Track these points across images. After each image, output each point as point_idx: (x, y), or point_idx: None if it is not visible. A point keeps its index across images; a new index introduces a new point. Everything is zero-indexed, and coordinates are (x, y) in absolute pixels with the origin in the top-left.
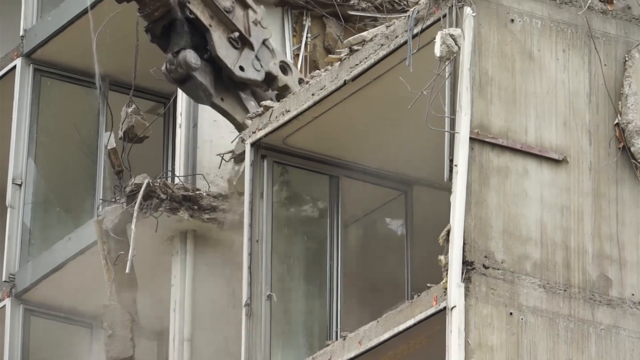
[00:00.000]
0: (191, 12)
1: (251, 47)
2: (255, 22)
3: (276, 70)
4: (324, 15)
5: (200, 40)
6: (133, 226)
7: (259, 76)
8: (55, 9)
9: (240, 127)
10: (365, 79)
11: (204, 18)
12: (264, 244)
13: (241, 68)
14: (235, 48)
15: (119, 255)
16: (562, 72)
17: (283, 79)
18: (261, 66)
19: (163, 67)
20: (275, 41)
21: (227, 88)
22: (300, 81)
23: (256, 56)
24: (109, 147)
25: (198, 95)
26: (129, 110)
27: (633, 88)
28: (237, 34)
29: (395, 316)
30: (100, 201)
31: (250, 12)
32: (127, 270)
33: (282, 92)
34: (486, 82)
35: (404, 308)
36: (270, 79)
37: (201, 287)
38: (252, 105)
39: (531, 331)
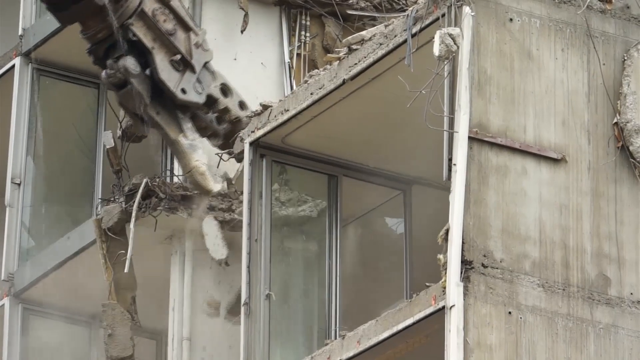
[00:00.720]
0: (134, 34)
1: (193, 70)
2: (197, 45)
3: (217, 93)
4: (323, 14)
5: (142, 61)
6: (132, 225)
7: (201, 99)
8: None
9: (172, 143)
10: (364, 78)
11: (147, 40)
12: (263, 243)
13: (183, 90)
14: (177, 70)
15: (119, 254)
16: (560, 71)
17: (223, 101)
18: (202, 89)
19: (103, 73)
20: (273, 41)
21: (166, 105)
22: (241, 104)
23: (197, 79)
24: (107, 146)
25: (133, 104)
26: None
27: (632, 87)
28: (179, 56)
29: (394, 315)
30: (99, 200)
31: (192, 35)
32: (125, 270)
33: (223, 115)
34: (485, 81)
35: (403, 307)
36: (211, 101)
37: (200, 286)
38: (188, 127)
39: (530, 330)
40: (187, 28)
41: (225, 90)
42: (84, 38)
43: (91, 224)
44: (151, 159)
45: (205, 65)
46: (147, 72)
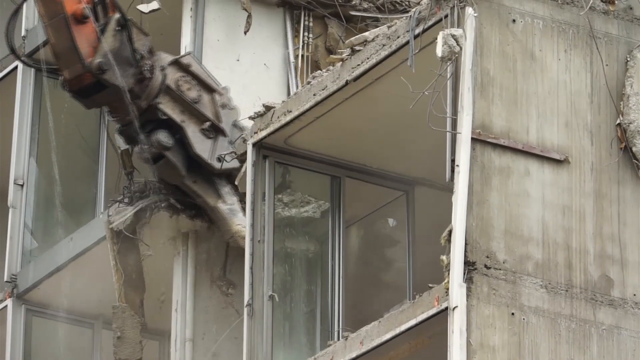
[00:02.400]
0: (163, 113)
1: (224, 134)
2: (223, 106)
3: None
4: (326, 15)
5: (173, 132)
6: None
7: (236, 162)
8: None
9: (212, 210)
10: (367, 79)
11: (176, 115)
12: (266, 244)
13: (218, 159)
14: (209, 138)
15: (143, 252)
16: (563, 72)
17: None
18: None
19: (137, 147)
20: (276, 42)
21: (202, 171)
22: None
23: (230, 141)
24: (121, 148)
25: (169, 175)
26: None
27: (635, 88)
28: (208, 123)
29: (397, 316)
30: (111, 201)
31: (217, 96)
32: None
33: None
34: (488, 82)
35: (406, 308)
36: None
37: (203, 287)
38: (226, 191)
39: (533, 331)
40: (210, 90)
41: None
42: (113, 121)
43: (93, 226)
44: None
45: (234, 123)
46: (178, 136)
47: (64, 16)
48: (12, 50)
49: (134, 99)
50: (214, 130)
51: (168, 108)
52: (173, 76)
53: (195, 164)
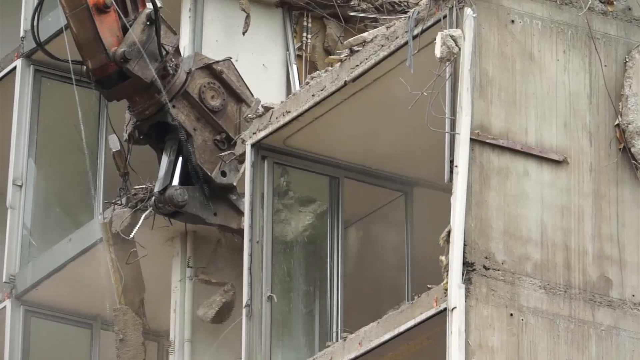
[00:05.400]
0: (173, 118)
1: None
2: (247, 119)
3: None
4: (325, 16)
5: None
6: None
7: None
8: (55, 10)
9: (238, 232)
10: (366, 80)
11: (189, 122)
12: (264, 245)
13: (223, 173)
14: (221, 149)
15: (131, 251)
16: (562, 73)
17: None
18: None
19: (152, 201)
20: (275, 42)
21: (217, 196)
22: None
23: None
24: (114, 150)
25: (192, 221)
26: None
27: (633, 89)
28: (224, 135)
29: (396, 317)
30: (107, 203)
31: (244, 107)
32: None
33: None
34: (486, 83)
35: (405, 309)
36: None
37: (201, 288)
38: (243, 203)
39: (532, 332)
40: (239, 100)
41: None
42: (131, 114)
43: (92, 226)
44: (154, 161)
45: None
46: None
47: (86, 7)
48: (39, 44)
49: (154, 94)
50: (228, 142)
51: (182, 114)
52: (199, 81)
53: (211, 193)
